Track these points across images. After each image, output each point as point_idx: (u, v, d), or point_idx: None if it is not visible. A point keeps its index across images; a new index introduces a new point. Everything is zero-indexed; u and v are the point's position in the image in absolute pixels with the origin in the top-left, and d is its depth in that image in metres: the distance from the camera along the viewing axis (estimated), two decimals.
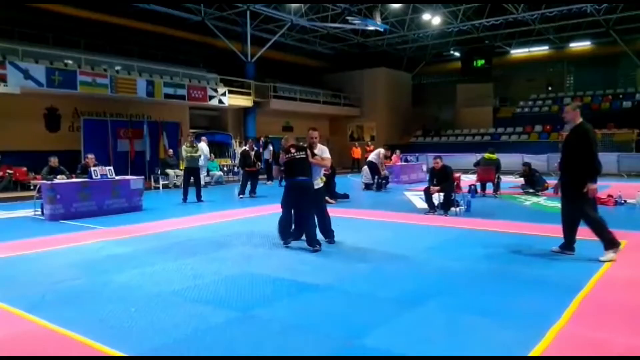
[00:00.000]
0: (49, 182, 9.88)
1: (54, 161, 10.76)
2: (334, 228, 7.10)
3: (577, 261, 5.82)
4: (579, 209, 5.84)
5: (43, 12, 19.35)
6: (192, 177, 12.60)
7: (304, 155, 6.70)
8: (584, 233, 6.75)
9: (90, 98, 17.71)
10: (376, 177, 15.08)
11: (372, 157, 15.27)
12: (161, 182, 16.39)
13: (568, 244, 6.09)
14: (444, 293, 4.70)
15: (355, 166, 25.80)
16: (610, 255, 5.71)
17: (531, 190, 13.30)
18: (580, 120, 5.94)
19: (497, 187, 13.07)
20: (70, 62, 17.82)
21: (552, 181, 16.60)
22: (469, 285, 4.93)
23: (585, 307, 4.24)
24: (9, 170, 14.98)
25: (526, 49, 30.68)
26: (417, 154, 22.78)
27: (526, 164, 14.13)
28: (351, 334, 3.71)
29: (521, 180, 13.98)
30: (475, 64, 30.21)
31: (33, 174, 14.38)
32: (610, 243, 5.76)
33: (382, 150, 15.40)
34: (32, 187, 12.55)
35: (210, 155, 18.94)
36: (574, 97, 28.94)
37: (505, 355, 3.31)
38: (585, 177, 5.68)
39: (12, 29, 18.69)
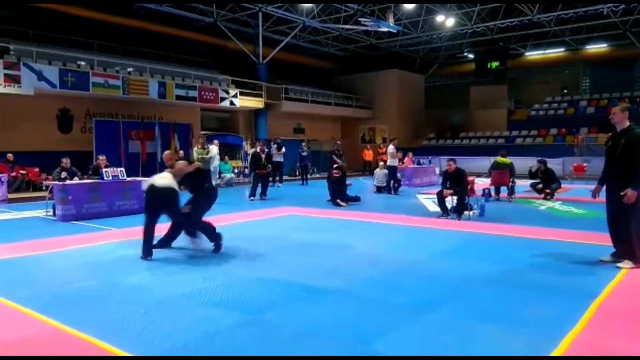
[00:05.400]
0: (60, 183, 9.93)
1: (66, 162, 10.81)
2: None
3: (593, 267, 5.69)
4: (623, 215, 5.49)
5: (57, 14, 19.51)
6: None
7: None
8: (599, 239, 6.62)
9: (103, 99, 17.86)
10: (392, 181, 14.91)
11: (390, 161, 14.83)
12: None
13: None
14: (457, 299, 4.61)
15: (367, 169, 25.60)
16: (628, 263, 5.53)
17: (541, 188, 12.87)
18: (629, 123, 5.59)
19: (511, 191, 12.87)
20: (83, 63, 17.97)
21: (567, 185, 16.45)
22: (482, 291, 4.83)
23: (601, 314, 4.13)
24: (21, 171, 15.11)
25: (541, 51, 30.25)
26: (429, 157, 22.61)
27: (542, 161, 13.24)
28: (362, 339, 3.64)
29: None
30: (489, 65, 29.85)
31: (45, 174, 14.47)
32: (634, 257, 5.52)
33: (391, 147, 14.94)
34: (44, 188, 12.62)
35: (225, 157, 19.04)
36: (590, 99, 28.56)
37: None
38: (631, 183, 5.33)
39: (27, 30, 18.88)
